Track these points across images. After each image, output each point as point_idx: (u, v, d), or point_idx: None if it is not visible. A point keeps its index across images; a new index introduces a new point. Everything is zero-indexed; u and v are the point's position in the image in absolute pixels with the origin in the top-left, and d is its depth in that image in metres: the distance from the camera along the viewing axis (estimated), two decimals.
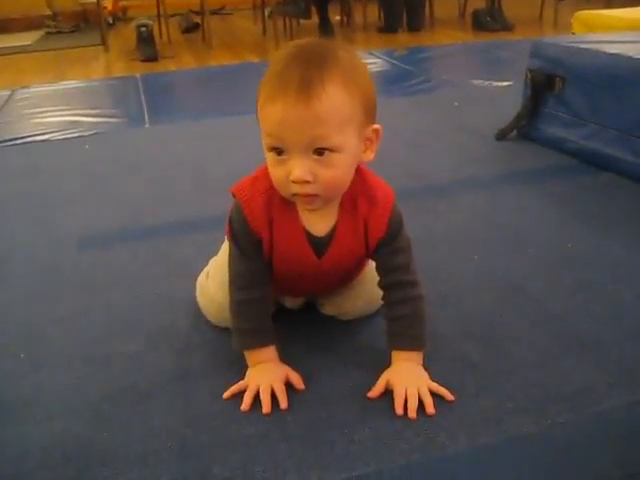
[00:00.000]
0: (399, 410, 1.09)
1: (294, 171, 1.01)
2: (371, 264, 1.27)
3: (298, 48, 1.04)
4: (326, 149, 1.01)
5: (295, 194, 1.05)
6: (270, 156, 1.04)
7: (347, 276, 1.29)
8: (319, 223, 1.16)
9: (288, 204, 1.13)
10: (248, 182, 1.16)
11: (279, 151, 1.02)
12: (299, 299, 1.38)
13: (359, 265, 1.28)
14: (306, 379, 1.18)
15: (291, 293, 1.35)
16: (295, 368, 1.19)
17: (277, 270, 1.20)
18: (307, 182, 1.02)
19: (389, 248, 1.18)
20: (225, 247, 1.32)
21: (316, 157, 1.02)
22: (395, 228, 1.17)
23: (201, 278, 1.41)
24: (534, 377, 1.17)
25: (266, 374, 1.16)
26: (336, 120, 1.01)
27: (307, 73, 0.99)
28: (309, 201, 1.07)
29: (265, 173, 1.12)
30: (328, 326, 1.35)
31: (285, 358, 1.21)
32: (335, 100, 1.00)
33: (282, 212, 1.14)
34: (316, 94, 0.98)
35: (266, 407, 1.11)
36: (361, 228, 1.16)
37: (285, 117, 0.99)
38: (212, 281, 1.35)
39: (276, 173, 1.05)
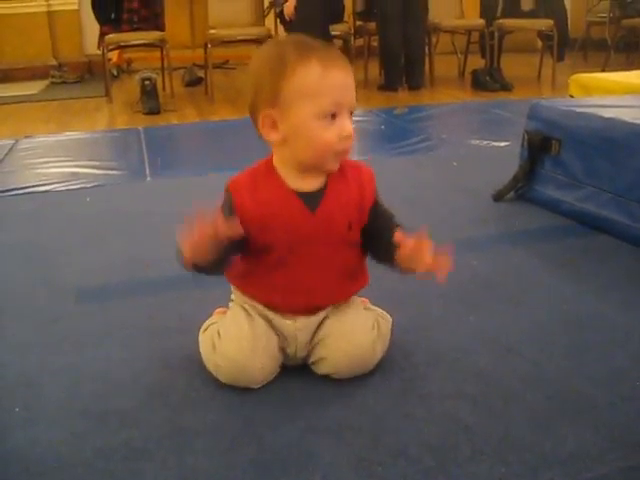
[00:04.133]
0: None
1: (348, 127, 1.20)
2: (358, 311, 1.36)
3: (298, 37, 1.27)
4: (353, 111, 1.23)
5: (340, 152, 1.23)
6: (320, 123, 1.19)
7: (343, 263, 1.33)
8: (308, 183, 1.28)
9: (273, 175, 1.27)
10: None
11: (333, 115, 1.19)
12: (300, 354, 1.37)
13: (354, 255, 1.35)
14: (298, 441, 1.18)
15: (288, 291, 1.32)
16: (288, 430, 1.19)
17: (272, 239, 1.26)
18: (351, 137, 1.21)
19: (379, 209, 1.33)
20: (234, 310, 1.38)
21: (349, 117, 1.22)
22: (378, 193, 1.34)
23: (205, 337, 1.41)
24: (528, 440, 1.17)
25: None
26: None
27: (333, 49, 1.25)
28: (343, 156, 1.26)
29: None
30: (321, 387, 1.35)
31: (279, 419, 1.22)
32: None
33: (267, 179, 1.28)
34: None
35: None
36: (353, 190, 1.30)
37: (346, 80, 1.21)
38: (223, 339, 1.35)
39: (328, 135, 1.20)
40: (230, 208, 1.26)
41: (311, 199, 1.26)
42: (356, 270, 1.38)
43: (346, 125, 1.20)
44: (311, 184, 1.27)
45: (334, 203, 1.28)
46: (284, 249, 1.28)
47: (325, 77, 1.18)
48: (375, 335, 1.37)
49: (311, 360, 1.38)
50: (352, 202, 1.29)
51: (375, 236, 1.33)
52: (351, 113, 1.23)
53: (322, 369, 1.37)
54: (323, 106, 1.19)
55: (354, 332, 1.35)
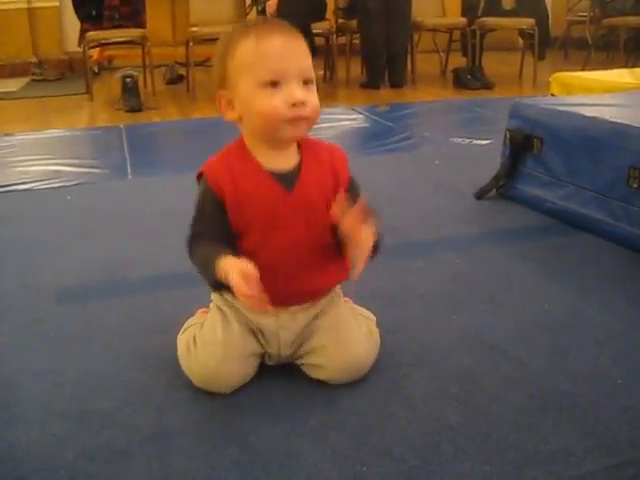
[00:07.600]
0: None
1: (295, 94, 1.18)
2: (349, 319, 1.36)
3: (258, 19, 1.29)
4: (309, 81, 1.22)
5: (292, 119, 1.20)
6: (262, 93, 1.19)
7: (322, 248, 1.30)
8: (281, 162, 1.27)
9: (246, 155, 1.27)
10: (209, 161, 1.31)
11: (275, 83, 1.18)
12: (284, 353, 1.36)
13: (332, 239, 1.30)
14: (281, 441, 1.18)
15: (268, 280, 1.22)
16: (272, 430, 1.19)
17: (249, 220, 1.25)
18: (303, 104, 1.19)
19: (354, 191, 1.30)
20: (212, 312, 1.37)
21: (303, 86, 1.20)
22: (351, 173, 1.34)
23: (182, 339, 1.41)
24: (511, 439, 1.18)
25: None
26: None
27: (283, 24, 1.24)
28: (300, 124, 1.22)
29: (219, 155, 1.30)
30: (305, 387, 1.34)
31: (262, 420, 1.21)
32: None
33: (240, 160, 1.27)
34: (299, 35, 1.24)
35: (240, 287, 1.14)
36: (327, 172, 1.30)
37: (285, 47, 1.20)
38: (198, 344, 1.35)
39: (273, 103, 1.19)
40: (208, 196, 1.28)
41: (287, 179, 1.27)
42: (336, 257, 1.33)
43: (294, 92, 1.19)
44: (284, 162, 1.27)
45: (310, 182, 1.28)
46: (261, 231, 1.27)
47: (258, 47, 1.19)
48: (372, 343, 1.39)
49: (304, 362, 1.37)
50: (328, 183, 1.29)
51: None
52: (307, 82, 1.21)
53: (318, 375, 1.36)
54: (260, 75, 1.19)
55: (353, 342, 1.35)
